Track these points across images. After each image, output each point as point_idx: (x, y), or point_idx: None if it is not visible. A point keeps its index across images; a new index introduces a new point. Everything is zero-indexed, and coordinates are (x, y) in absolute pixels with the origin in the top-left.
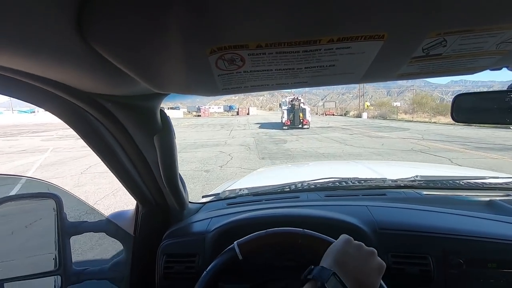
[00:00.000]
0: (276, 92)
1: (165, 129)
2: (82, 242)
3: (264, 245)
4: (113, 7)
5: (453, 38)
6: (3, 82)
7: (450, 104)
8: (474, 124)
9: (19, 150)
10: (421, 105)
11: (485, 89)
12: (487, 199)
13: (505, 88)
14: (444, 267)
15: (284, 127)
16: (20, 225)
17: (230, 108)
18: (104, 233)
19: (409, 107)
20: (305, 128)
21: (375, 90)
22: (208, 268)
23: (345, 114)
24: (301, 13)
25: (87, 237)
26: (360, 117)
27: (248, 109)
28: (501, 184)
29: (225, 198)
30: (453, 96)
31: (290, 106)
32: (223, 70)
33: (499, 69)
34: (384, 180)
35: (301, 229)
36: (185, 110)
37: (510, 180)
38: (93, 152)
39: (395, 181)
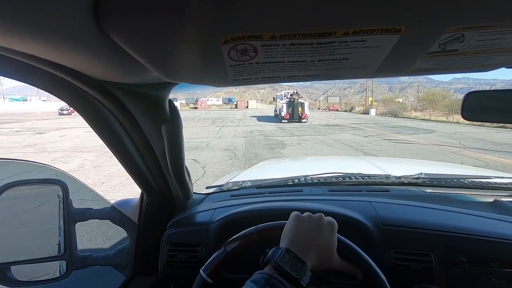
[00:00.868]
0: (277, 85)
1: (173, 119)
2: (88, 228)
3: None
4: None
5: (471, 33)
6: (16, 67)
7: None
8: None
9: None
10: (432, 103)
11: (487, 87)
12: (492, 199)
13: (508, 86)
14: (447, 265)
15: (284, 121)
16: (29, 208)
17: (229, 100)
18: (109, 221)
19: (418, 104)
20: (303, 122)
21: (376, 86)
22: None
23: (350, 110)
24: (317, 5)
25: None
26: (368, 114)
27: (247, 102)
28: (505, 184)
29: (228, 190)
30: (454, 94)
31: (289, 100)
32: (236, 61)
33: None
34: (388, 176)
35: (254, 227)
36: (184, 101)
37: None
38: (100, 140)
39: (399, 178)
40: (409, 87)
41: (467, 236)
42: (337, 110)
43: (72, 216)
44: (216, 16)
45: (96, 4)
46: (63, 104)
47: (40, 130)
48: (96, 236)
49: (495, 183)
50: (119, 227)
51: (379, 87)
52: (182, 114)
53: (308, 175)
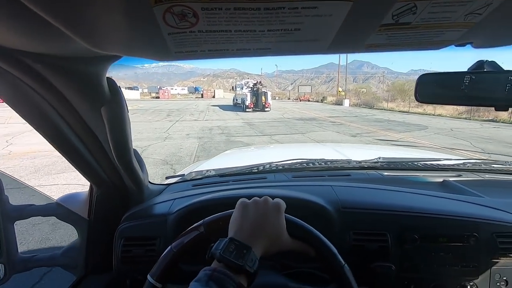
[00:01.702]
0: (246, 75)
1: (114, 99)
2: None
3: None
4: None
5: (423, 3)
6: None
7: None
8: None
9: None
10: (402, 93)
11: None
12: (441, 179)
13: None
14: (401, 243)
15: (248, 110)
16: None
17: (196, 90)
18: (55, 217)
19: (386, 94)
20: (266, 111)
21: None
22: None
23: (322, 101)
24: None
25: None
26: (341, 105)
27: (214, 91)
28: (453, 165)
29: (191, 180)
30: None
31: (253, 89)
32: (174, 28)
33: (464, 45)
34: (349, 161)
35: (201, 221)
36: (146, 90)
37: (462, 162)
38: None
39: (359, 162)
40: (371, 78)
41: (419, 215)
42: (309, 101)
43: (8, 214)
44: None
45: None
46: None
47: None
48: (40, 235)
49: (444, 165)
50: (67, 224)
51: (343, 78)
52: (139, 105)
53: (272, 162)
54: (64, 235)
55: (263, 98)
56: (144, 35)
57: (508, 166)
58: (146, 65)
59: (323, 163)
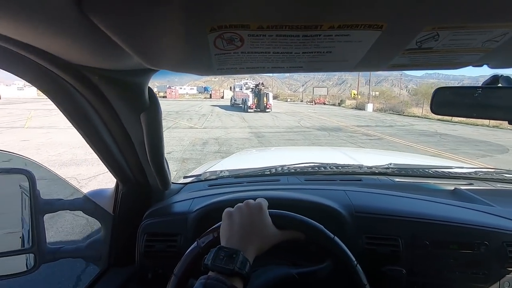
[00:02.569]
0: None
1: (152, 106)
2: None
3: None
4: None
5: (445, 33)
6: None
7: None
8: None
9: None
10: (429, 97)
11: (456, 82)
12: (452, 187)
13: (478, 84)
14: (412, 248)
15: (250, 110)
16: None
17: (205, 89)
18: (81, 212)
19: (411, 98)
20: (267, 112)
21: (354, 79)
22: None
23: (339, 104)
24: None
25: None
26: (363, 110)
27: (223, 92)
28: (465, 173)
29: (206, 180)
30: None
31: (255, 90)
32: (221, 50)
33: (481, 65)
34: (360, 166)
35: (195, 242)
36: (156, 89)
37: (474, 170)
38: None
39: (371, 168)
40: (384, 81)
41: (430, 222)
42: (324, 104)
43: (40, 207)
44: (204, 3)
45: None
46: None
47: None
48: (68, 228)
49: (456, 173)
50: (92, 218)
51: (356, 80)
52: None
53: (285, 165)
54: (83, 229)
55: (265, 99)
56: (194, 56)
57: None
58: None
59: (334, 167)
